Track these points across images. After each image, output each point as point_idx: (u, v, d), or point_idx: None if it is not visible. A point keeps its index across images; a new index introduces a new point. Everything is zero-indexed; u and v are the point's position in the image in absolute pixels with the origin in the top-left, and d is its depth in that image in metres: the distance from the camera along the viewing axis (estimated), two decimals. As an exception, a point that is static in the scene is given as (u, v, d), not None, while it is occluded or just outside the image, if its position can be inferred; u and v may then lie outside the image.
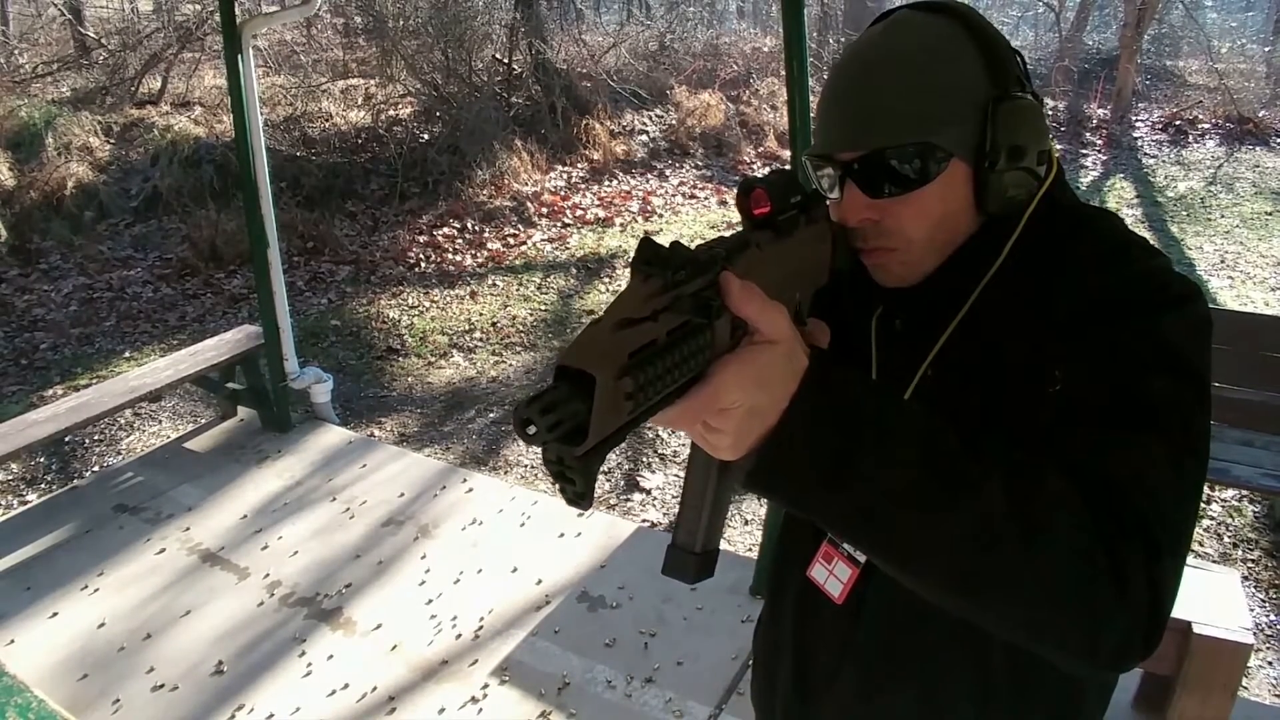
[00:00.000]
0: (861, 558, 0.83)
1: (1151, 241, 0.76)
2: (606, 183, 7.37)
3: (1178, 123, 8.73)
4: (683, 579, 0.59)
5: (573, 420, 0.44)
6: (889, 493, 0.56)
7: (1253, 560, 2.95)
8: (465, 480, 3.33)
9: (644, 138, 8.12)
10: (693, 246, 0.54)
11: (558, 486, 0.47)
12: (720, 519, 0.59)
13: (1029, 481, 0.58)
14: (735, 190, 0.68)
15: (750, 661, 1.04)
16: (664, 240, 0.52)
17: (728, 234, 0.62)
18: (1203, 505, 3.20)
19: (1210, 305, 0.76)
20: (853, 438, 0.55)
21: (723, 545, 0.60)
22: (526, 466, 3.63)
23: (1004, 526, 0.56)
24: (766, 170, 7.81)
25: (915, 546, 0.58)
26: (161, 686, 2.38)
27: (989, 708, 0.79)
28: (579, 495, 0.47)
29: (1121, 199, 7.06)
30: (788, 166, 3.77)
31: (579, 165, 7.57)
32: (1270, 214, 6.61)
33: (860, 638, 0.84)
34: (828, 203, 0.76)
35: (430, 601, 2.66)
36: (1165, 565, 0.59)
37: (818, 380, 0.55)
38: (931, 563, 0.58)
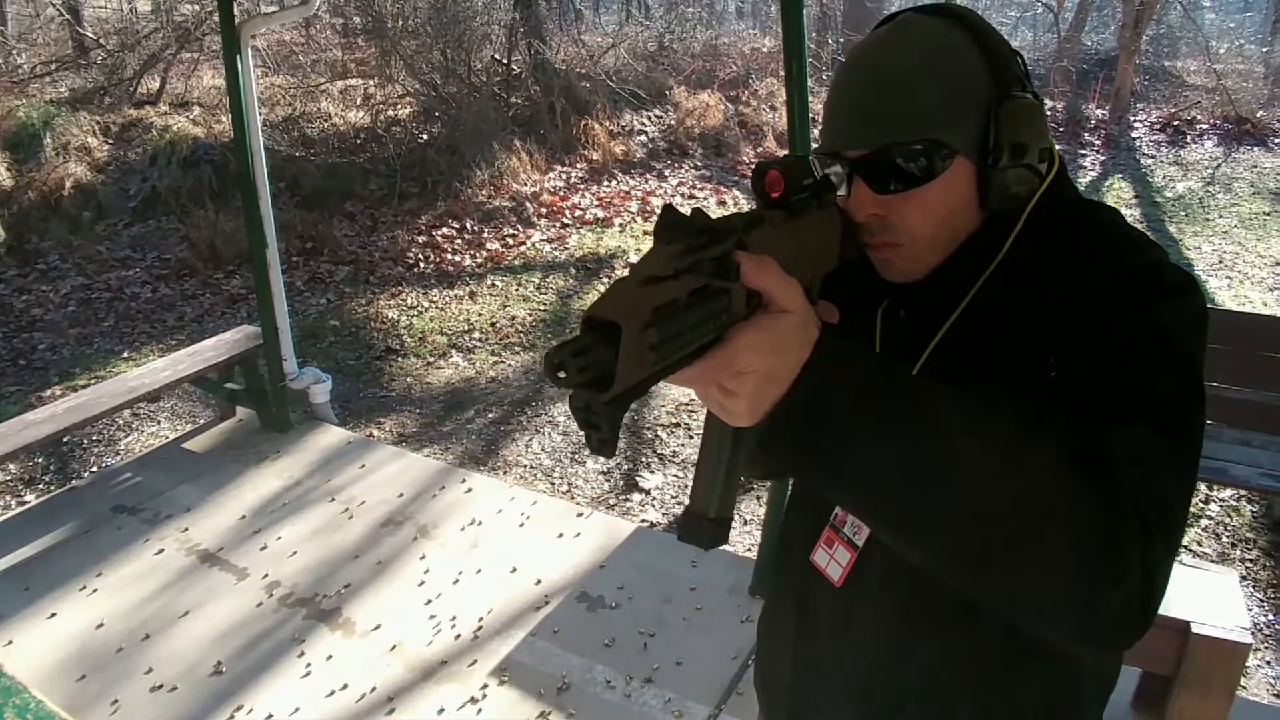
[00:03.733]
0: (860, 542, 0.85)
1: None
2: (605, 183, 7.37)
3: (1176, 123, 8.73)
4: (697, 544, 0.61)
5: (600, 367, 0.46)
6: (895, 462, 0.57)
7: (1251, 560, 2.95)
8: (464, 480, 3.33)
9: (643, 138, 8.12)
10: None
11: (584, 434, 0.49)
12: (733, 487, 0.62)
13: (1031, 461, 0.59)
14: (752, 171, 0.70)
15: (750, 660, 1.05)
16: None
17: (744, 211, 0.64)
18: (1201, 505, 3.20)
19: (1208, 305, 0.77)
20: (861, 405, 0.57)
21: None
22: (526, 466, 3.63)
23: (1004, 501, 0.58)
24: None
25: (917, 517, 0.59)
26: (160, 687, 2.37)
27: (985, 692, 0.81)
28: (603, 441, 0.48)
29: (1120, 199, 7.07)
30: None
31: (578, 165, 7.57)
32: (1268, 214, 6.62)
33: (858, 622, 0.86)
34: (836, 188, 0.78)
35: (429, 602, 2.66)
36: (1159, 546, 0.61)
37: (829, 349, 0.57)
38: (933, 534, 0.60)
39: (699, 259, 0.52)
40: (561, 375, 0.45)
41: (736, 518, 3.23)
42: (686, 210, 0.54)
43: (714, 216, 0.56)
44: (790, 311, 0.55)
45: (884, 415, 0.57)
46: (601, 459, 3.66)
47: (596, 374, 0.46)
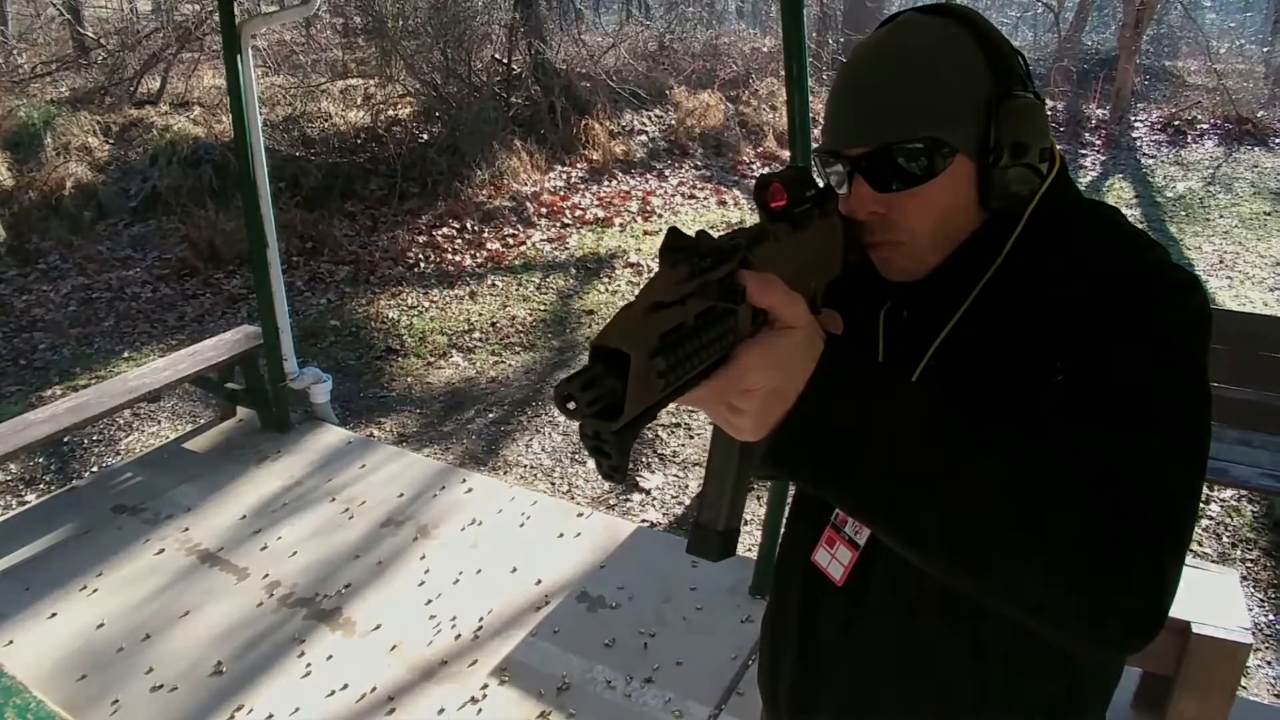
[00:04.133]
0: (861, 541, 0.86)
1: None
2: (606, 183, 7.36)
3: (1176, 123, 8.73)
4: (706, 557, 0.62)
5: (609, 397, 0.47)
6: (899, 471, 0.58)
7: (1251, 560, 2.95)
8: (464, 480, 3.33)
9: (643, 138, 8.12)
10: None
11: (594, 460, 0.50)
12: (741, 499, 0.62)
13: (1034, 465, 0.60)
14: (754, 184, 0.72)
15: (751, 660, 1.05)
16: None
17: (747, 226, 0.65)
18: (1201, 505, 3.20)
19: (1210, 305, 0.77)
20: (867, 417, 0.58)
21: (730, 557, 0.62)
22: (526, 466, 3.63)
23: (1009, 507, 0.58)
24: (766, 170, 7.80)
25: (923, 524, 0.60)
26: (160, 687, 2.37)
27: (988, 691, 0.81)
28: (614, 468, 0.49)
29: (1120, 199, 7.07)
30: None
31: (578, 165, 7.57)
32: (1269, 214, 6.62)
33: (860, 620, 0.87)
34: (838, 196, 0.78)
35: (429, 602, 2.66)
36: (1167, 550, 0.61)
37: (834, 363, 0.58)
38: (939, 540, 0.60)
39: (704, 281, 0.53)
40: (571, 406, 0.45)
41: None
42: (691, 230, 0.54)
43: (717, 236, 0.57)
44: (795, 328, 0.56)
45: (888, 427, 0.58)
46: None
47: (606, 404, 0.47)
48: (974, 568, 0.60)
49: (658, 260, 0.53)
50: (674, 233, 0.53)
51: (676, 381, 0.50)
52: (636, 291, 0.53)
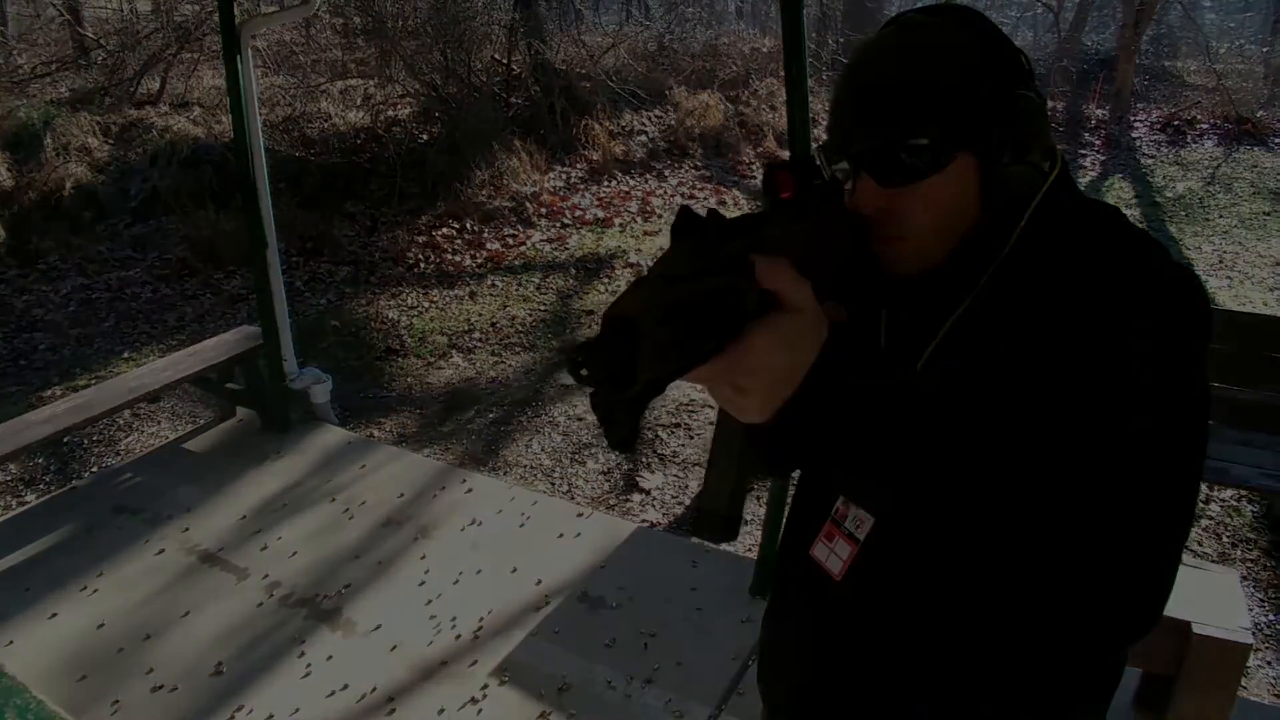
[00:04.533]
0: (861, 535, 0.86)
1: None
2: (605, 183, 7.36)
3: (1176, 123, 8.73)
4: (709, 538, 0.64)
5: (620, 365, 0.47)
6: (902, 456, 0.60)
7: (1251, 560, 2.95)
8: (464, 481, 3.33)
9: (643, 138, 8.11)
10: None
11: (603, 430, 0.50)
12: (745, 483, 0.64)
13: (1033, 466, 0.61)
14: (763, 169, 0.72)
15: (751, 660, 1.06)
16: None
17: (755, 212, 0.66)
18: (1201, 505, 3.20)
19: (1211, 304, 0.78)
20: (871, 403, 0.59)
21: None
22: (526, 467, 3.63)
23: (1008, 504, 0.59)
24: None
25: (923, 503, 0.61)
26: (161, 687, 2.37)
27: (988, 687, 0.81)
28: (624, 438, 0.50)
29: (1120, 199, 7.07)
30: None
31: (578, 166, 7.56)
32: (1268, 214, 6.62)
33: (860, 616, 0.87)
34: (844, 190, 0.79)
35: (430, 602, 2.66)
36: (1165, 549, 0.62)
37: (839, 349, 0.59)
38: (937, 518, 0.62)
39: (715, 259, 0.53)
40: (583, 373, 0.46)
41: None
42: (702, 211, 0.55)
43: (728, 217, 0.58)
44: (803, 311, 0.57)
45: (893, 412, 0.59)
46: (602, 459, 3.66)
47: (617, 372, 0.47)
48: (969, 555, 0.62)
49: (670, 237, 0.54)
50: (685, 211, 0.54)
51: (686, 354, 0.50)
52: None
